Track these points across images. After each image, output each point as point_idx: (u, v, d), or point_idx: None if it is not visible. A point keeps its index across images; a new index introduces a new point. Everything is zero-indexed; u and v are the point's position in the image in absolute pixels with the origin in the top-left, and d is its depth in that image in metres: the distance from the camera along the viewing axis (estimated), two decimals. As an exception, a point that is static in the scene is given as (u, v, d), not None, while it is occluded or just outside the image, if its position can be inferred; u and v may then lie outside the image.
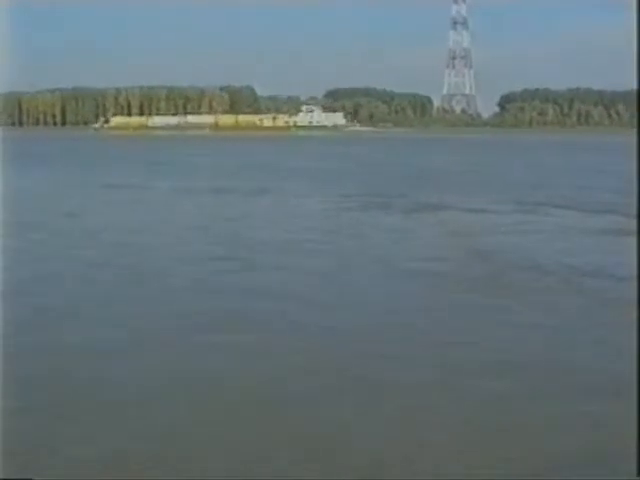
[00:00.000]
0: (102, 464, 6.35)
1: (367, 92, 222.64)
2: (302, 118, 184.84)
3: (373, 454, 6.58)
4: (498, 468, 6.31)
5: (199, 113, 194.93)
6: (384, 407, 7.69)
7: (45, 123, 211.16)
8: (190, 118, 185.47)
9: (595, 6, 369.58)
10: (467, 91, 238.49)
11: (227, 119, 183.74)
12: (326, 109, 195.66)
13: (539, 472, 6.28)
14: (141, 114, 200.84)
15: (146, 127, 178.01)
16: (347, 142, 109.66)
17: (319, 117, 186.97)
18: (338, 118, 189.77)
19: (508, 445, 6.77)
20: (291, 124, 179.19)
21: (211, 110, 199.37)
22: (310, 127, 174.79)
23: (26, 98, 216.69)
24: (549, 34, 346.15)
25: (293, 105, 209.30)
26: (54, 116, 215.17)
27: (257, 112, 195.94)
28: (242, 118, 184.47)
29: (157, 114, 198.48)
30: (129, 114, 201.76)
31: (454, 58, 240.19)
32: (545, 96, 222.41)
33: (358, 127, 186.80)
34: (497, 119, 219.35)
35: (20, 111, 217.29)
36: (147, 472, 6.22)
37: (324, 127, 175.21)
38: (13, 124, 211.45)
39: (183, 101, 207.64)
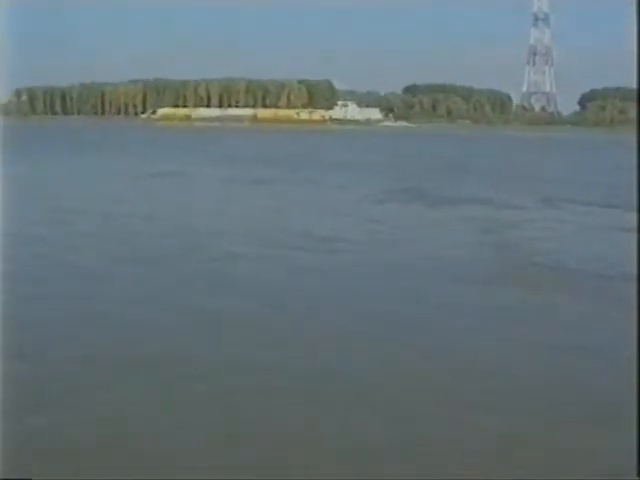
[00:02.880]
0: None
1: (445, 88, 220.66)
2: (337, 112, 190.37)
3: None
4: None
5: (277, 106, 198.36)
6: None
7: (126, 113, 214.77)
8: (231, 111, 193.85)
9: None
10: (547, 89, 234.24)
11: (266, 112, 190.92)
12: (361, 104, 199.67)
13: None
14: (220, 106, 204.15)
15: (190, 118, 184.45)
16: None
17: (353, 112, 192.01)
18: (373, 113, 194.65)
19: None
20: (327, 118, 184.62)
21: (289, 103, 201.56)
22: (344, 121, 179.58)
23: (109, 89, 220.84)
24: (632, 31, 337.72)
25: (372, 99, 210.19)
26: (135, 106, 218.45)
27: (334, 106, 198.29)
28: (280, 111, 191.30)
29: (236, 106, 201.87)
30: (208, 105, 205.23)
31: (535, 55, 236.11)
32: (626, 94, 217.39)
33: (392, 122, 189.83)
34: (577, 117, 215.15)
35: (102, 101, 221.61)
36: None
37: (357, 121, 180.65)
38: (95, 113, 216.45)
39: (262, 94, 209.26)
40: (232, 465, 6.40)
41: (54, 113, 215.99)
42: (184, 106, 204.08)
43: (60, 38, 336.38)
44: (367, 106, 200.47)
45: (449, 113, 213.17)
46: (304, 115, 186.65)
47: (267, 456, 6.65)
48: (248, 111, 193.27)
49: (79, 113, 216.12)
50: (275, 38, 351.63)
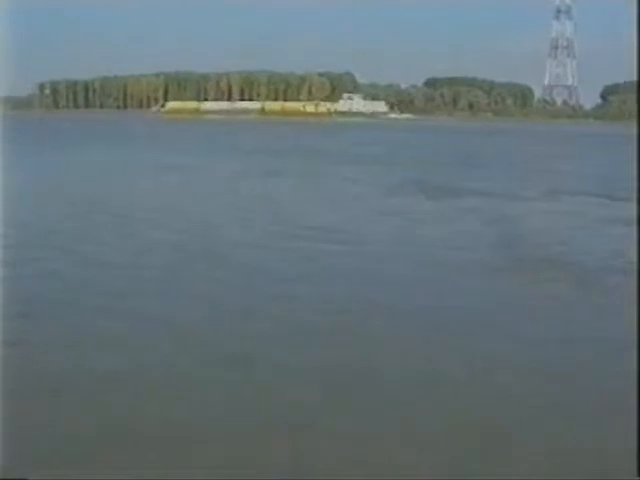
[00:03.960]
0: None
1: (466, 81, 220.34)
2: (342, 105, 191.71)
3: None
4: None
5: (299, 99, 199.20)
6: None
7: (148, 106, 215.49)
8: (239, 104, 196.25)
9: None
10: (569, 82, 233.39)
11: (273, 105, 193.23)
12: (366, 97, 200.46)
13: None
14: (242, 99, 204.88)
15: (199, 111, 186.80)
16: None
17: (358, 104, 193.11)
18: (379, 106, 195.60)
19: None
20: (332, 111, 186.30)
21: (310, 96, 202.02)
22: (349, 114, 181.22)
23: (131, 82, 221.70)
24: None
25: (393, 92, 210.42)
26: (157, 100, 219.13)
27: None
28: (287, 104, 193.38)
29: (257, 99, 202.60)
30: (229, 99, 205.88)
31: (556, 48, 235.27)
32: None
33: (397, 115, 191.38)
34: (599, 111, 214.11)
35: (125, 95, 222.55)
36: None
37: (362, 114, 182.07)
38: (118, 107, 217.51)
39: (283, 87, 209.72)
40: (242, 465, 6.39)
41: (76, 106, 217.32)
42: (205, 99, 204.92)
43: (82, 31, 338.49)
44: (387, 99, 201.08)
45: (470, 106, 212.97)
46: (310, 108, 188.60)
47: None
48: (256, 104, 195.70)
49: (101, 106, 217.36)
50: (297, 31, 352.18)
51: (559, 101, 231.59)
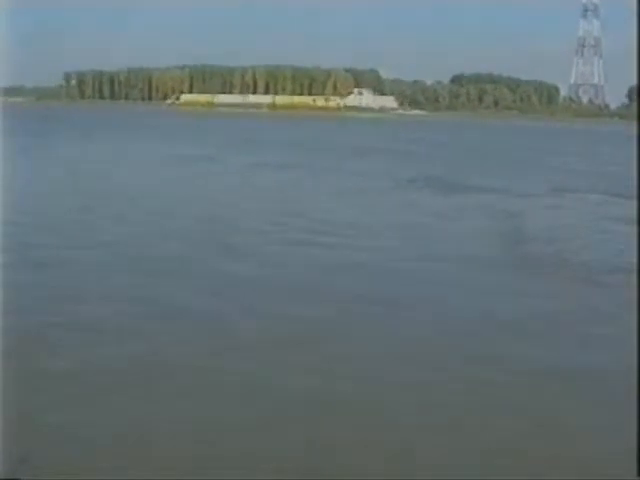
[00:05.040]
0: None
1: (492, 78, 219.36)
2: (352, 100, 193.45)
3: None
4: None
5: (324, 94, 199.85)
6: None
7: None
8: (251, 97, 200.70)
9: None
10: (595, 81, 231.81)
11: (284, 99, 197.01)
12: (376, 92, 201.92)
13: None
14: (266, 93, 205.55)
15: (212, 104, 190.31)
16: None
17: (367, 100, 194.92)
18: (388, 101, 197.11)
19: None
20: (341, 105, 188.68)
21: (335, 91, 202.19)
22: (359, 109, 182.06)
23: (156, 75, 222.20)
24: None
25: (418, 89, 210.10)
26: (181, 92, 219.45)
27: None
28: (297, 98, 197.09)
29: (282, 93, 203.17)
30: (254, 92, 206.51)
31: (583, 47, 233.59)
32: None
33: (408, 111, 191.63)
34: (625, 110, 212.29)
35: (150, 86, 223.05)
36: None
37: (371, 109, 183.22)
38: (142, 99, 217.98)
39: (308, 81, 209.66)
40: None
41: (102, 97, 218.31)
42: (230, 92, 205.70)
43: (109, 22, 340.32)
44: (412, 95, 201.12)
45: (495, 104, 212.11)
46: (320, 102, 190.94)
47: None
48: (267, 98, 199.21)
49: (126, 98, 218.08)
50: (322, 26, 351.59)
51: (585, 100, 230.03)
